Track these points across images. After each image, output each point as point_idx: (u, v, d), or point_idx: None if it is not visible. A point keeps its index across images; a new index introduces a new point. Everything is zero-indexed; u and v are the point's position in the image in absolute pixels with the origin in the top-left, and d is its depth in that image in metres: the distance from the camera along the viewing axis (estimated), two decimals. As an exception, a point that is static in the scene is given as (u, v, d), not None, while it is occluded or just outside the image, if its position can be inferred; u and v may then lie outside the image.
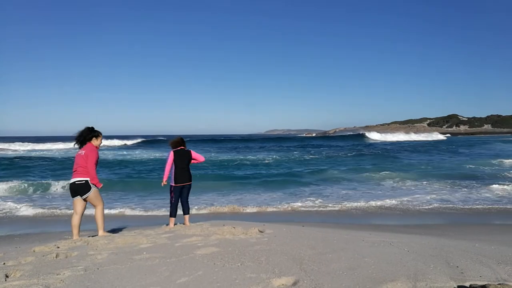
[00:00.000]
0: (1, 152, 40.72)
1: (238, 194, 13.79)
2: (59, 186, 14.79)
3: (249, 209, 11.13)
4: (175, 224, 6.97)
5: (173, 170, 6.86)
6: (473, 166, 20.98)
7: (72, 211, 6.05)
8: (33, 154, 36.55)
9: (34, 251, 4.94)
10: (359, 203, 11.60)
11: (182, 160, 6.86)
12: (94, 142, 5.98)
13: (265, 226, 6.32)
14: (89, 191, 5.78)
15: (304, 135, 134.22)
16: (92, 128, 6.04)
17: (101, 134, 6.08)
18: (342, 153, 33.64)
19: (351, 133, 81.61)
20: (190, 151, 7.04)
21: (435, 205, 11.32)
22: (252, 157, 29.47)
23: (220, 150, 41.49)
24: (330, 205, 11.48)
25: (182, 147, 7.00)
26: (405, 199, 12.11)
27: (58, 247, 5.12)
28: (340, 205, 11.39)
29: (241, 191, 14.35)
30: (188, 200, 7.15)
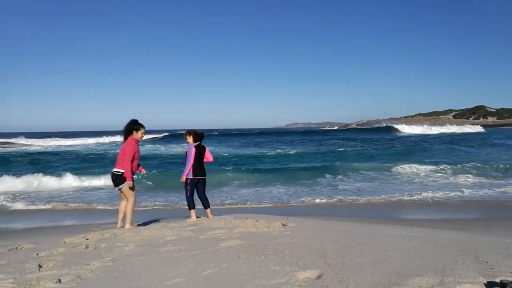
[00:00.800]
0: (36, 147, 42.12)
1: (258, 187, 13.84)
2: (82, 180, 15.20)
3: (269, 203, 11.16)
4: (197, 216, 7.05)
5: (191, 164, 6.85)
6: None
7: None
8: (61, 149, 37.69)
9: (64, 242, 5.12)
10: (382, 197, 11.45)
11: (200, 155, 6.91)
12: (135, 135, 6.04)
13: (288, 219, 6.33)
14: (123, 183, 5.90)
15: (326, 128, 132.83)
16: (136, 120, 6.08)
17: (142, 127, 6.08)
18: (370, 146, 32.96)
19: (379, 126, 77.58)
20: (205, 147, 7.09)
21: (464, 199, 11.05)
22: (273, 151, 29.45)
23: (240, 144, 41.66)
24: (352, 198, 11.37)
25: (199, 142, 7.03)
26: (430, 193, 11.87)
27: (87, 239, 5.28)
28: (363, 199, 11.28)
29: (261, 184, 14.39)
30: (205, 193, 7.13)
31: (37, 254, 4.42)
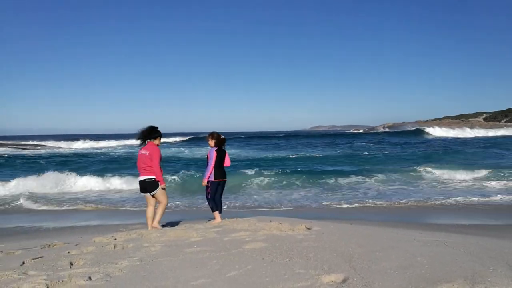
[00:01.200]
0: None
1: (281, 189, 13.82)
2: (107, 182, 15.58)
3: (291, 206, 11.13)
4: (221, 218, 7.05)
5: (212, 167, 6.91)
6: None
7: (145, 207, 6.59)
8: (88, 151, 38.80)
9: (94, 241, 5.28)
10: (410, 201, 11.22)
11: (221, 159, 6.97)
12: (156, 141, 6.20)
13: (312, 223, 6.30)
14: (156, 188, 6.12)
15: (352, 131, 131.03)
16: (155, 127, 6.25)
17: (160, 134, 6.28)
18: (399, 149, 32.18)
19: (408, 129, 74.44)
20: (226, 151, 7.15)
21: (495, 204, 10.70)
22: (298, 154, 29.34)
23: (264, 146, 41.71)
24: (378, 202, 11.20)
25: (222, 145, 7.08)
26: (460, 197, 11.54)
27: (115, 239, 5.42)
28: (390, 203, 11.09)
29: (284, 187, 14.37)
30: (222, 197, 7.19)
31: (68, 252, 4.58)
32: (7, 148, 44.42)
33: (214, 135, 7.06)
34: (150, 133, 6.14)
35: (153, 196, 6.19)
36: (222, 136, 7.11)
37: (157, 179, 6.02)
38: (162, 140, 6.55)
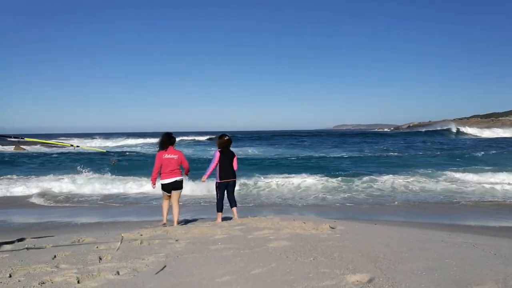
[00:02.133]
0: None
1: (303, 188, 13.74)
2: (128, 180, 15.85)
3: (314, 204, 11.05)
4: (222, 219, 7.18)
5: (217, 168, 7.14)
6: None
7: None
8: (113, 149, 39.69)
9: (121, 237, 5.40)
10: (438, 201, 10.95)
11: (227, 159, 7.16)
12: (174, 146, 6.92)
13: (336, 222, 6.25)
14: (182, 188, 6.94)
15: (376, 129, 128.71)
16: (171, 134, 6.90)
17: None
18: (429, 149, 30.87)
19: (438, 128, 70.73)
20: (235, 155, 7.34)
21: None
22: (321, 154, 29.10)
23: (287, 146, 41.58)
24: (403, 202, 10.98)
25: (228, 147, 7.26)
26: (490, 198, 11.18)
27: (141, 235, 5.54)
28: (416, 203, 10.86)
29: (307, 185, 14.26)
30: (234, 195, 7.36)
31: (97, 247, 4.71)
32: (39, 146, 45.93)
33: (219, 137, 7.36)
34: (169, 139, 6.79)
35: (176, 193, 6.92)
36: (227, 138, 7.29)
37: (185, 173, 6.96)
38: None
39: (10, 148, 40.28)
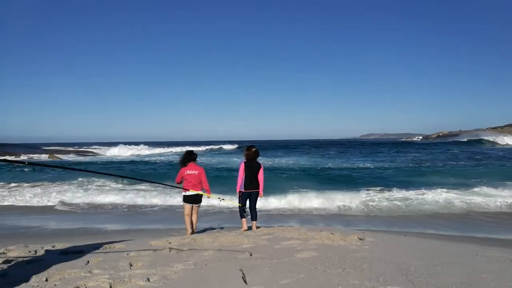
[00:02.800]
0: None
1: (327, 195, 13.55)
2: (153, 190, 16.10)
3: (338, 213, 10.88)
4: (248, 227, 7.27)
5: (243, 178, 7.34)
6: None
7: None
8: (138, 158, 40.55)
9: (150, 244, 5.50)
10: (468, 213, 10.57)
11: (251, 170, 7.32)
12: (195, 162, 7.36)
13: (364, 233, 6.14)
14: (201, 201, 7.41)
15: (404, 139, 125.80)
16: (192, 151, 7.49)
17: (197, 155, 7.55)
18: (463, 162, 28.83)
19: (471, 138, 66.73)
20: (260, 166, 7.43)
21: None
22: (349, 164, 28.68)
23: (313, 155, 41.25)
24: (434, 213, 10.66)
25: (253, 159, 7.41)
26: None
27: (169, 243, 5.62)
28: (445, 214, 10.52)
29: (333, 193, 14.06)
30: (256, 207, 7.47)
31: (127, 254, 4.81)
32: (71, 154, 47.48)
33: (246, 149, 7.54)
34: (190, 156, 7.31)
35: (197, 206, 7.39)
36: (253, 149, 7.45)
37: (207, 193, 7.25)
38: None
39: (44, 157, 41.92)
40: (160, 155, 46.57)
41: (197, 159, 7.49)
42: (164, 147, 59.79)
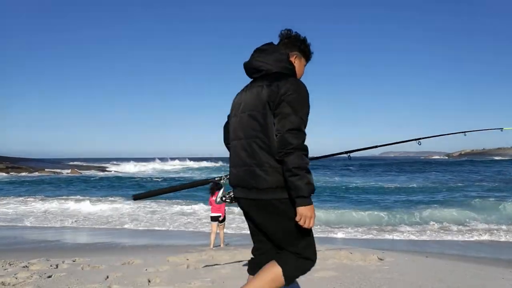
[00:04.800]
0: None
1: (342, 211, 13.36)
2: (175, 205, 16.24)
3: (358, 233, 10.69)
4: None
5: None
6: None
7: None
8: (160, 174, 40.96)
9: (168, 260, 5.54)
10: (492, 234, 10.25)
11: None
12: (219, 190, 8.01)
13: (384, 253, 6.03)
14: (224, 221, 8.60)
15: (425, 157, 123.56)
16: (218, 182, 7.95)
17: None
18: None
19: (500, 158, 63.62)
20: None
21: None
22: (371, 183, 28.32)
23: (332, 173, 40.89)
24: (456, 235, 10.37)
25: None
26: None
27: (187, 259, 5.64)
28: (471, 237, 10.22)
29: (351, 212, 13.87)
30: None
31: (146, 269, 4.85)
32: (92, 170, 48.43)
33: None
34: (216, 186, 8.23)
35: (220, 225, 8.54)
36: None
37: (222, 215, 8.52)
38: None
39: (67, 172, 42.94)
40: (178, 171, 47.12)
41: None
42: (167, 162, 61.22)
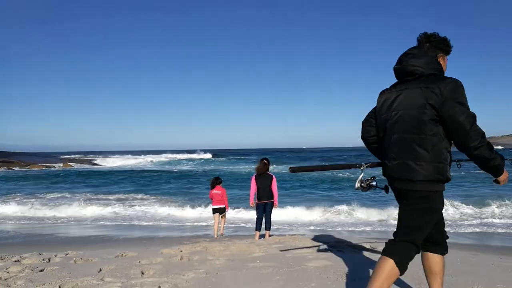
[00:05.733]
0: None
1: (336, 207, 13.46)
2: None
3: (352, 221, 10.77)
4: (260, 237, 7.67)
5: (257, 190, 7.82)
6: None
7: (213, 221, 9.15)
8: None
9: (162, 252, 5.52)
10: (483, 223, 10.37)
11: (264, 182, 7.77)
12: (219, 184, 9.07)
13: (376, 242, 6.07)
14: (224, 211, 9.07)
15: None
16: (218, 177, 9.27)
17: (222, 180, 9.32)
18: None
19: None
20: (272, 177, 7.84)
21: None
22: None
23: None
24: (449, 223, 10.49)
25: (265, 171, 7.85)
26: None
27: (181, 251, 5.63)
28: (460, 224, 10.34)
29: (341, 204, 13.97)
30: (271, 217, 7.87)
31: (139, 262, 4.83)
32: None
33: (259, 162, 8.04)
34: (216, 181, 9.07)
35: (221, 215, 8.99)
36: (263, 163, 7.90)
37: (226, 207, 9.09)
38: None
39: (59, 166, 42.60)
40: (156, 163, 47.03)
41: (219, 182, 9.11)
42: (146, 155, 62.21)
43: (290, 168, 2.78)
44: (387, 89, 2.64)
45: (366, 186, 2.67)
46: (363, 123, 2.82)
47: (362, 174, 2.68)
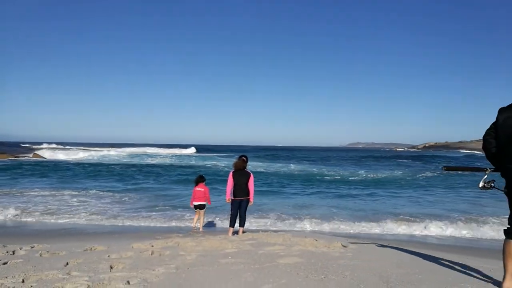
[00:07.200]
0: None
1: (321, 209, 13.61)
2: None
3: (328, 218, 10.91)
4: (233, 233, 7.72)
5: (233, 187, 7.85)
6: None
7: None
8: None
9: (132, 247, 5.43)
10: (452, 226, 10.70)
11: (240, 179, 7.78)
12: (204, 183, 9.63)
13: (348, 241, 6.17)
14: (205, 208, 9.46)
15: (395, 149, 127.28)
16: (202, 175, 9.86)
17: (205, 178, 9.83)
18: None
19: (465, 151, 66.56)
20: (250, 175, 7.86)
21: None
22: (333, 172, 28.86)
23: (302, 163, 41.38)
24: (416, 227, 10.77)
25: (243, 168, 7.86)
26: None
27: (152, 246, 5.55)
28: (427, 226, 10.63)
29: (324, 204, 14.13)
30: (246, 214, 7.92)
31: (108, 256, 4.74)
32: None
33: (237, 159, 8.04)
34: (200, 179, 9.63)
35: (201, 211, 9.38)
36: (240, 160, 7.92)
37: (208, 203, 9.54)
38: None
39: (29, 155, 41.25)
40: (123, 157, 45.86)
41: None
42: (100, 148, 60.52)
43: (444, 167, 3.74)
44: (505, 108, 3.16)
45: (489, 186, 3.27)
46: (484, 136, 3.30)
47: (486, 176, 3.29)
